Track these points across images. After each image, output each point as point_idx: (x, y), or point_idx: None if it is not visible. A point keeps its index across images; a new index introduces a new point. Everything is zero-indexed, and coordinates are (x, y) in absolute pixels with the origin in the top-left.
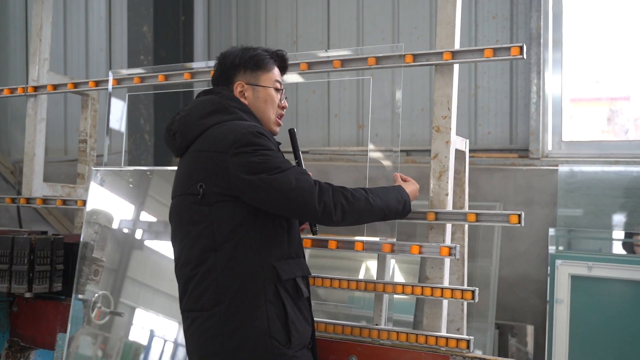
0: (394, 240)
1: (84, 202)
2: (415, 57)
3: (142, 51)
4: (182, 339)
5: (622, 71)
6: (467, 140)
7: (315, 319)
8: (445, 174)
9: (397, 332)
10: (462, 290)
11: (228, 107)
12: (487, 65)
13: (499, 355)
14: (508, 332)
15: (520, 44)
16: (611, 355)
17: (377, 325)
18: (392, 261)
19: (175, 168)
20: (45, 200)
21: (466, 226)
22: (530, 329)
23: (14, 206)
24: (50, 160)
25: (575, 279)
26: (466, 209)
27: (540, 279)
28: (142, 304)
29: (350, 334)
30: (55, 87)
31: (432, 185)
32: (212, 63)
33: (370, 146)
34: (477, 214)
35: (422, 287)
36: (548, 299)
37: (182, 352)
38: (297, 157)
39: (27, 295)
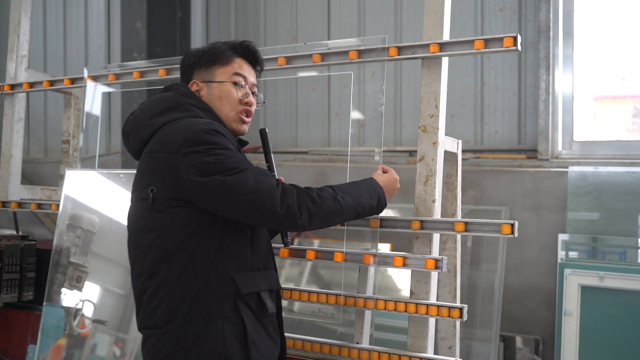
0: (376, 250)
1: (58, 206)
2: (400, 49)
3: (135, 48)
4: None
5: None
6: (460, 141)
7: (290, 335)
8: (432, 179)
9: (379, 352)
10: (450, 308)
11: (183, 104)
12: (494, 61)
13: None
14: (514, 345)
15: (514, 34)
16: None
17: (357, 343)
18: (373, 271)
19: None
20: (20, 204)
21: (458, 235)
22: (537, 342)
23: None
24: (49, 161)
25: (585, 290)
26: (458, 217)
27: (549, 289)
28: (126, 311)
29: (328, 352)
30: (31, 85)
31: (417, 191)
32: None
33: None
34: (465, 223)
35: (406, 303)
36: (557, 310)
37: None
38: (268, 159)
39: None
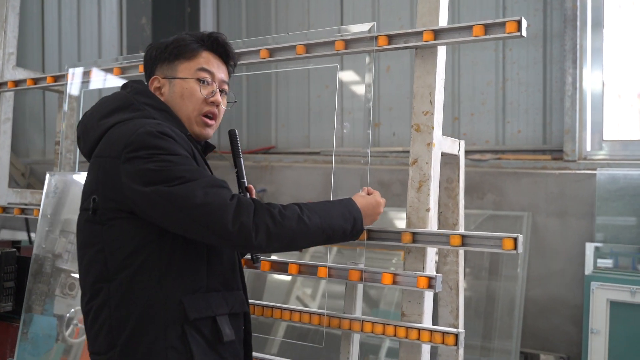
0: (362, 266)
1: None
2: (391, 38)
3: (140, 45)
4: None
5: None
6: (462, 142)
7: (265, 357)
8: (426, 185)
9: None
10: (444, 333)
11: (135, 103)
12: (516, 54)
13: None
14: None
15: (518, 18)
16: None
17: None
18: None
19: None
20: (5, 209)
21: (461, 249)
22: None
23: None
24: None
25: (615, 306)
26: (460, 228)
27: (576, 303)
28: None
29: None
30: (16, 83)
31: (410, 199)
32: None
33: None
34: (462, 237)
35: (395, 326)
36: (583, 327)
37: None
38: (236, 164)
39: None
